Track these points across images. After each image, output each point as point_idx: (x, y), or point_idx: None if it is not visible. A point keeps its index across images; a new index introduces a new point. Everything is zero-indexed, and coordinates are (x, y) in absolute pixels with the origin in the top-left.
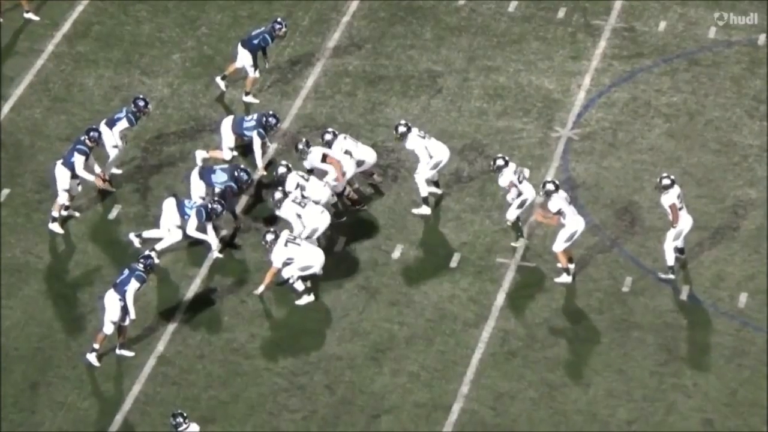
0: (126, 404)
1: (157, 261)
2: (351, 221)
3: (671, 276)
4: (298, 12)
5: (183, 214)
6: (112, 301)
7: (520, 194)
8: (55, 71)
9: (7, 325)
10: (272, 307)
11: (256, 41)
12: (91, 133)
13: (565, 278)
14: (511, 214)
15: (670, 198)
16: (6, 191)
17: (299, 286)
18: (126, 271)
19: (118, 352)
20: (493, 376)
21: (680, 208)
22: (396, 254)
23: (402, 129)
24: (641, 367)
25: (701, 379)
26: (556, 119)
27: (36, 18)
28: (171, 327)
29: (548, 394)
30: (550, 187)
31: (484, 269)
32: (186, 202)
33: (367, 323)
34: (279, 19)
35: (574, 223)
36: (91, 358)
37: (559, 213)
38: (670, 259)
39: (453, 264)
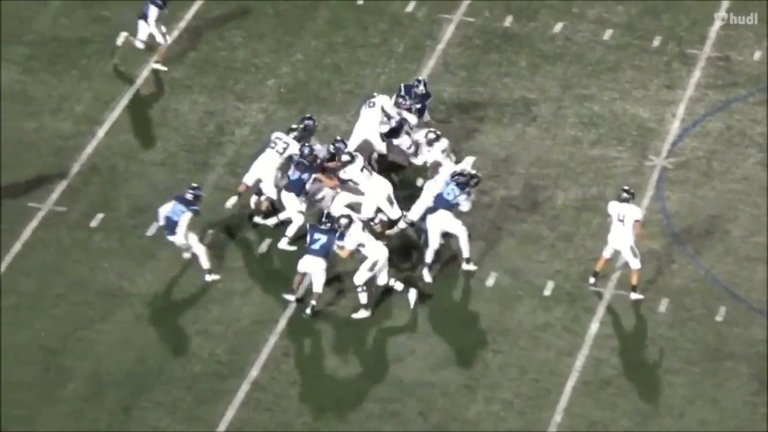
0: (219, 430)
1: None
2: (446, 249)
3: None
4: (393, 39)
5: None
6: (318, 265)
7: None
8: (150, 96)
9: (101, 350)
10: (366, 334)
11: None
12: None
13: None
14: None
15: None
16: (100, 216)
17: (363, 298)
18: (322, 236)
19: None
20: (586, 405)
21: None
22: (490, 282)
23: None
24: (734, 397)
25: None
26: (650, 148)
27: (164, 68)
28: (265, 353)
29: (641, 422)
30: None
31: (578, 297)
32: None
33: (461, 350)
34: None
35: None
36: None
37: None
38: None
39: (547, 292)
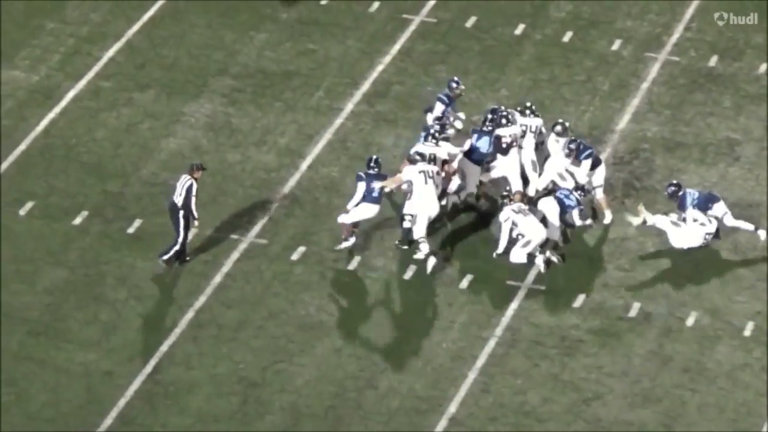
0: None
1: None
2: (645, 287)
3: None
4: (598, 77)
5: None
6: (375, 212)
7: None
8: (354, 130)
9: (300, 383)
10: (564, 371)
11: None
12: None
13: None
14: None
15: None
16: (302, 249)
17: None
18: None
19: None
20: None
21: None
22: (690, 321)
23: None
24: None
25: None
26: None
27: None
28: (464, 389)
29: None
30: None
31: None
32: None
33: (659, 389)
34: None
35: None
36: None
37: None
38: None
39: (747, 333)
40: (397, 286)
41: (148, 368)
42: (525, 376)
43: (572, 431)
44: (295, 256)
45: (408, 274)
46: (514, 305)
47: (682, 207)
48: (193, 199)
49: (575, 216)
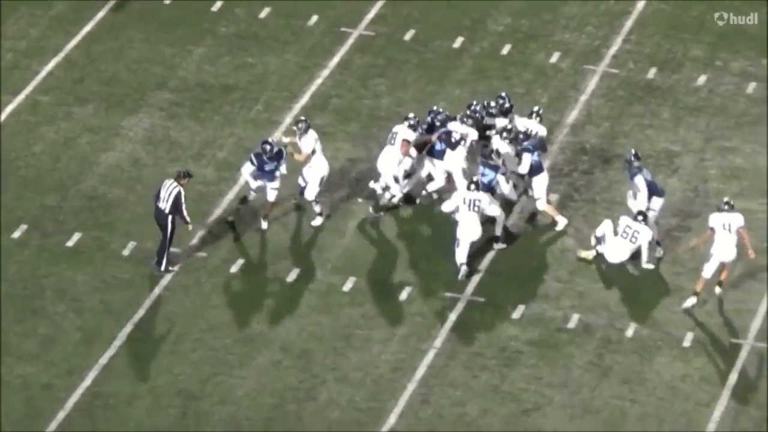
0: None
1: None
2: (585, 298)
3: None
4: (537, 89)
5: None
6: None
7: None
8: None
9: (239, 395)
10: (503, 382)
11: None
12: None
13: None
14: None
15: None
16: (240, 261)
17: (317, 208)
18: (272, 163)
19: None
20: None
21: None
22: (629, 332)
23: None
24: None
25: None
26: None
27: None
28: (403, 400)
29: None
30: None
31: (717, 349)
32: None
33: (598, 401)
34: None
35: None
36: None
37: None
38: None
39: (686, 343)
40: (336, 298)
41: (88, 381)
42: (464, 387)
43: None
44: (234, 269)
45: (347, 286)
46: (453, 317)
47: (633, 176)
48: (184, 206)
49: (503, 186)
